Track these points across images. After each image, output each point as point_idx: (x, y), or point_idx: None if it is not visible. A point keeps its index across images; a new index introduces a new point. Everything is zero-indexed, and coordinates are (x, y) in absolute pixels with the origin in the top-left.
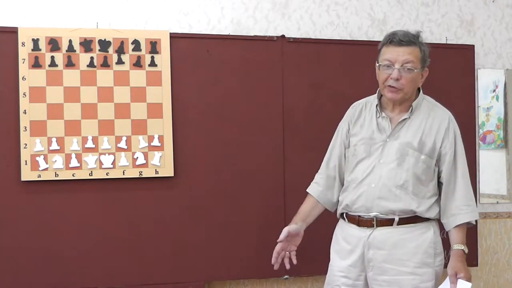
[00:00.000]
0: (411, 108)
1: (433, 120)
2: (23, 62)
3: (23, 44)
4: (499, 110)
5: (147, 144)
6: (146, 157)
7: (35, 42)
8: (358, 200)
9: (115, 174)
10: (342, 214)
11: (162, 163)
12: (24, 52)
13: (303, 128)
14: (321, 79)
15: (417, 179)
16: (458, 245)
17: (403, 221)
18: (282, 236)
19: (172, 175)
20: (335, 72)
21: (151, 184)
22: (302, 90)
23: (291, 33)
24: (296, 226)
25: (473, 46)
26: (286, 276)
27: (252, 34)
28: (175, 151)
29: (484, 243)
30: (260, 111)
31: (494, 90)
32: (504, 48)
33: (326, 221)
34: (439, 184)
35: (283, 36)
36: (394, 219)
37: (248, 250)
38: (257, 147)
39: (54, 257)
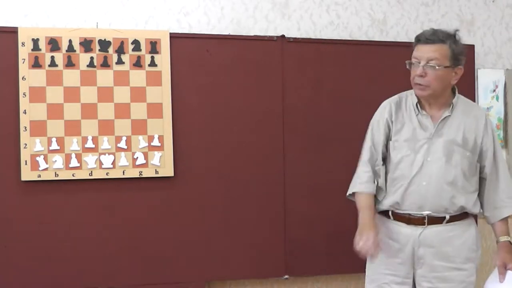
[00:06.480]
0: (451, 106)
1: (471, 117)
2: (23, 62)
3: (23, 44)
4: (499, 110)
5: (147, 144)
6: (146, 157)
7: (35, 42)
8: (409, 198)
9: (115, 174)
10: (386, 212)
11: (162, 163)
12: (24, 52)
13: (303, 128)
14: (321, 79)
15: (464, 175)
16: (504, 237)
17: (452, 218)
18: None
19: (172, 175)
20: (335, 72)
21: (151, 184)
22: (302, 90)
23: (291, 33)
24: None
25: (473, 46)
26: (286, 276)
27: (252, 34)
28: (175, 151)
29: (484, 243)
30: (260, 111)
31: (494, 90)
32: (504, 48)
33: (326, 222)
34: (480, 179)
35: (283, 36)
36: (445, 217)
37: (248, 250)
38: (257, 147)
39: (54, 257)
